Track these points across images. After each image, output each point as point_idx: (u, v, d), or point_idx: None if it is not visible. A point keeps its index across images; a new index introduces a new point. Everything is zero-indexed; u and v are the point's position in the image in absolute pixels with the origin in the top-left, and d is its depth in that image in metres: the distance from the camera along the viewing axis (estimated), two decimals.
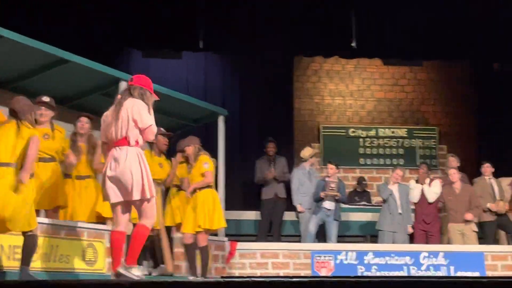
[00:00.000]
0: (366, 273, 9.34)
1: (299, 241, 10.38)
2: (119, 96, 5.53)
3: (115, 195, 5.31)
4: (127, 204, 5.39)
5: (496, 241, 10.43)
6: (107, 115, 5.50)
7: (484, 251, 9.69)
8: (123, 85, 7.35)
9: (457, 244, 9.89)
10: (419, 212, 10.15)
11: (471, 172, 11.01)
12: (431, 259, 9.60)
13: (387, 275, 9.26)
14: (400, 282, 3.99)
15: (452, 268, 9.56)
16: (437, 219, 10.17)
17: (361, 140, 13.10)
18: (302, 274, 9.09)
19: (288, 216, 11.03)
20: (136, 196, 5.25)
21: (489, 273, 9.47)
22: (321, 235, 10.38)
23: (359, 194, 11.89)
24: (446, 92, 13.50)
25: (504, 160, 11.83)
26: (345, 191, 10.62)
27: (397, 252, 9.58)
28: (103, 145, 5.58)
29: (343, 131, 13.11)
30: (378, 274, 9.31)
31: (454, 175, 10.23)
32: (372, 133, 13.14)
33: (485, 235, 10.30)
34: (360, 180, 12.09)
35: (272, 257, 9.36)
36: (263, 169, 10.83)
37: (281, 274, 9.08)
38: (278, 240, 10.50)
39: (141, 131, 5.35)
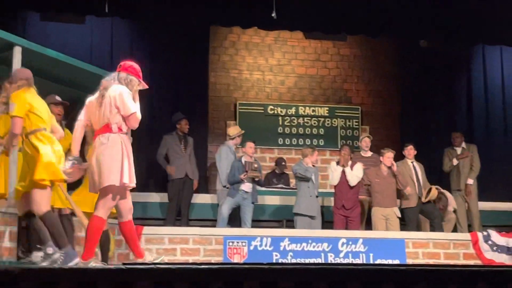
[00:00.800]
0: (281, 260, 9.46)
1: (211, 226, 10.41)
2: (104, 82, 5.83)
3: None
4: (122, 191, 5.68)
5: (417, 228, 10.77)
6: (92, 101, 5.84)
7: (405, 238, 9.98)
8: (17, 50, 7.19)
9: (380, 230, 10.16)
10: (339, 196, 10.34)
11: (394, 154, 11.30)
12: (350, 246, 9.80)
13: (303, 262, 9.42)
14: (316, 269, 4.07)
15: (371, 255, 9.80)
16: (357, 204, 10.40)
17: (280, 118, 13.18)
18: (213, 261, 9.13)
19: (199, 198, 11.07)
20: (115, 181, 5.49)
21: (410, 261, 9.77)
22: (234, 220, 10.46)
23: (277, 176, 12.00)
24: (370, 69, 13.72)
25: (427, 143, 12.19)
26: (262, 173, 10.73)
27: (314, 238, 9.75)
28: (86, 127, 5.93)
29: (261, 108, 13.16)
30: (293, 261, 9.46)
31: (389, 159, 10.47)
32: (292, 111, 13.25)
33: (407, 221, 10.61)
34: (279, 161, 12.19)
35: (181, 243, 9.35)
36: (172, 147, 10.80)
37: (191, 261, 9.09)
38: (186, 224, 10.51)
39: (125, 119, 5.63)
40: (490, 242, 10.08)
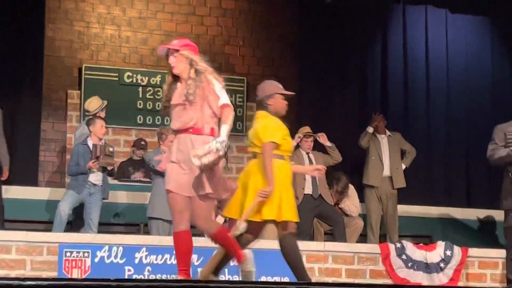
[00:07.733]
0: (135, 277, 9.46)
1: (44, 230, 10.30)
2: None
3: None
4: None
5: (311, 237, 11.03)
6: None
7: None
8: None
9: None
10: None
11: None
12: None
13: (165, 279, 9.47)
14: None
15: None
16: None
17: (140, 89, 13.17)
18: (44, 276, 9.05)
19: (27, 193, 10.92)
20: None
21: None
22: (75, 222, 10.42)
23: (134, 164, 11.96)
24: (261, 30, 13.88)
25: (331, 127, 12.46)
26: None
27: None
28: None
29: (115, 74, 13.11)
30: (152, 277, 9.48)
31: None
32: (157, 80, 13.21)
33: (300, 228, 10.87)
34: (138, 142, 12.08)
35: (2, 252, 9.22)
36: None
37: (13, 276, 8.97)
38: (1, 227, 10.30)
39: None
40: (404, 257, 10.38)
